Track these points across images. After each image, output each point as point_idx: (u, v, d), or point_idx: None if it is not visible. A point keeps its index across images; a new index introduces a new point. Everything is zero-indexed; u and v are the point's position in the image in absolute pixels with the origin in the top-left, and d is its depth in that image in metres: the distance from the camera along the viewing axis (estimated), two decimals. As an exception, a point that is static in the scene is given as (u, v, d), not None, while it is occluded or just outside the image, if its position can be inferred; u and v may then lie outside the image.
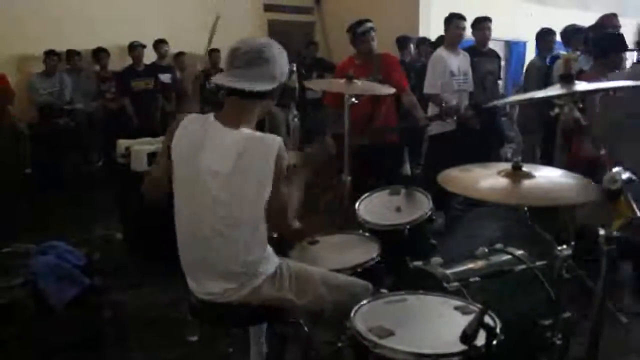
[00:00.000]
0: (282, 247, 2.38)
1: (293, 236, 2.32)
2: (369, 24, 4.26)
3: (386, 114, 4.33)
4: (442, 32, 5.58)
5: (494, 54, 5.73)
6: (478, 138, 5.05)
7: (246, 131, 2.04)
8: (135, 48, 7.41)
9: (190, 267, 2.18)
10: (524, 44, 9.42)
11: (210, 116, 2.10)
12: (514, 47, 9.63)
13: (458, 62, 5.04)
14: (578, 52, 5.13)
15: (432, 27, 7.48)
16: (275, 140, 2.01)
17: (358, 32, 4.22)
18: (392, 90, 3.40)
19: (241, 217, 2.03)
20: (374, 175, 4.12)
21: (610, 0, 8.41)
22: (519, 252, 2.51)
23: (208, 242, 2.08)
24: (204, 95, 7.32)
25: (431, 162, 5.11)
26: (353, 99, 3.13)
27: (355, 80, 3.21)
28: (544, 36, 6.00)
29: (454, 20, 5.02)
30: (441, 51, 5.06)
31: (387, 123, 4.34)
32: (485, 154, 4.91)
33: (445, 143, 4.87)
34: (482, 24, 5.46)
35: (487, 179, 2.02)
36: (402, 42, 7.19)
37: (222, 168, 2.00)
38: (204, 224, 2.07)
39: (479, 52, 5.58)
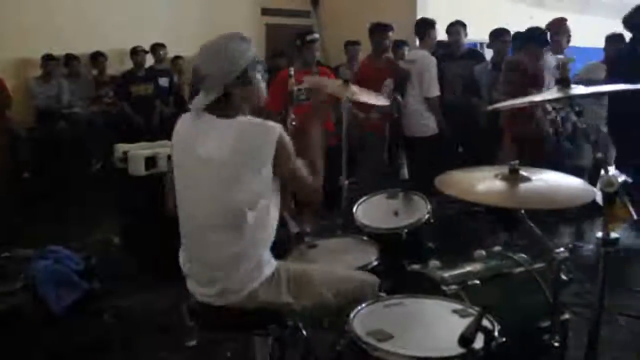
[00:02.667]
0: (279, 251, 2.37)
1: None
2: (317, 35, 4.54)
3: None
4: (441, 37, 5.63)
5: (470, 57, 5.75)
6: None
7: (244, 118, 2.08)
8: (138, 53, 7.42)
9: (189, 264, 2.19)
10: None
11: (204, 113, 2.12)
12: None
13: None
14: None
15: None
16: (276, 126, 2.05)
17: (307, 40, 4.40)
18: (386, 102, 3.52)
19: (237, 207, 2.02)
20: None
21: (610, 4, 8.43)
22: (518, 255, 2.51)
23: (204, 237, 2.09)
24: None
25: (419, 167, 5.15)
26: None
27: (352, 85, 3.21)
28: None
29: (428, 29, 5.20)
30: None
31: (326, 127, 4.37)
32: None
33: (428, 147, 4.94)
34: (453, 28, 5.51)
35: (484, 182, 2.03)
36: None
37: (218, 155, 2.01)
38: (200, 217, 2.09)
39: (449, 56, 5.67)
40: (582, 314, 2.88)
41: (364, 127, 4.86)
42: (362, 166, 4.87)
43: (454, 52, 5.74)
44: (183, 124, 2.20)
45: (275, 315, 2.21)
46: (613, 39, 5.65)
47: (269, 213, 2.11)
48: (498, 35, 5.58)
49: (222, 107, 2.09)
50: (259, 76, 2.18)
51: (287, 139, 2.07)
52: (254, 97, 2.19)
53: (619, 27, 4.78)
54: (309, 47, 4.39)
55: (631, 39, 4.59)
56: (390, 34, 5.02)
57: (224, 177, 2.02)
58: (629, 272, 4.08)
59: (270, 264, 2.15)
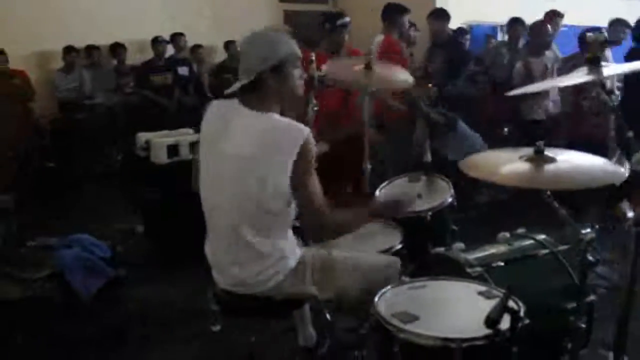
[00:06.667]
0: (304, 235, 2.37)
1: (331, 228, 2.17)
2: (348, 19, 4.27)
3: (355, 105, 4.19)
4: (461, 20, 5.60)
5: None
6: None
7: (274, 117, 2.06)
8: (160, 43, 7.47)
9: (214, 255, 2.21)
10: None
11: (236, 101, 2.13)
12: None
13: None
14: None
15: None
16: (302, 131, 2.00)
17: (338, 24, 4.17)
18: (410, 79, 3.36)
19: (257, 202, 2.02)
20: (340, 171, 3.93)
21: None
22: (542, 237, 2.49)
23: (227, 231, 2.10)
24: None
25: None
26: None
27: (376, 69, 3.17)
28: (513, 25, 6.11)
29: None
30: None
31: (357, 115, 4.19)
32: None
33: None
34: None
35: (509, 164, 2.01)
36: None
37: (242, 151, 2.01)
38: (224, 209, 2.10)
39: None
40: (608, 296, 2.84)
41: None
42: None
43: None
44: (212, 113, 2.19)
45: (300, 303, 2.23)
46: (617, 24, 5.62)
47: (289, 206, 2.10)
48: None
49: (253, 96, 2.08)
50: (296, 73, 2.15)
51: (312, 146, 2.02)
52: (287, 92, 2.15)
53: (622, 6, 4.71)
54: (339, 32, 4.17)
55: None
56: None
57: (249, 172, 2.01)
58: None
59: (295, 255, 2.15)
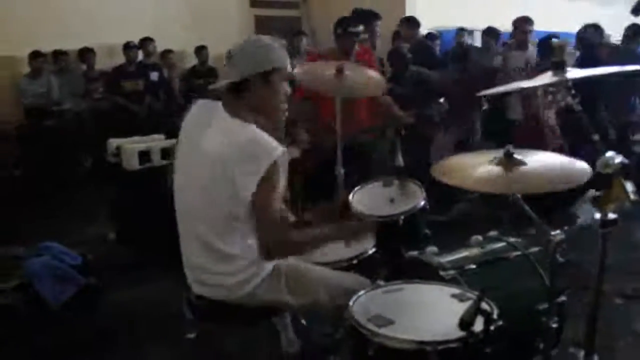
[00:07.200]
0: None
1: (288, 246, 2.09)
2: (361, 27, 4.17)
3: (361, 110, 4.19)
4: (430, 25, 5.66)
5: None
6: None
7: (254, 128, 2.04)
8: (131, 49, 7.44)
9: (186, 255, 2.19)
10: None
11: (219, 104, 2.12)
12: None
13: None
14: None
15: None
16: (277, 150, 2.00)
17: (349, 31, 4.08)
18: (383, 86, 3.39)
19: (226, 204, 2.01)
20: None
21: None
22: (513, 239, 2.53)
23: (199, 233, 2.08)
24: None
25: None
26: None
27: (347, 72, 3.19)
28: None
29: None
30: None
31: (361, 120, 4.19)
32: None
33: None
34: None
35: (479, 169, 2.03)
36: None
37: (217, 153, 2.00)
38: (194, 208, 2.09)
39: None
40: (579, 296, 2.90)
41: None
42: None
43: None
44: (195, 112, 2.19)
45: (275, 309, 2.23)
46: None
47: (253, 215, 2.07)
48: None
49: (235, 101, 2.08)
50: (282, 88, 2.15)
51: (281, 167, 2.01)
52: (268, 104, 2.14)
53: (594, 14, 4.81)
54: (348, 38, 4.07)
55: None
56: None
57: (221, 174, 2.00)
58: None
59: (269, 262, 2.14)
